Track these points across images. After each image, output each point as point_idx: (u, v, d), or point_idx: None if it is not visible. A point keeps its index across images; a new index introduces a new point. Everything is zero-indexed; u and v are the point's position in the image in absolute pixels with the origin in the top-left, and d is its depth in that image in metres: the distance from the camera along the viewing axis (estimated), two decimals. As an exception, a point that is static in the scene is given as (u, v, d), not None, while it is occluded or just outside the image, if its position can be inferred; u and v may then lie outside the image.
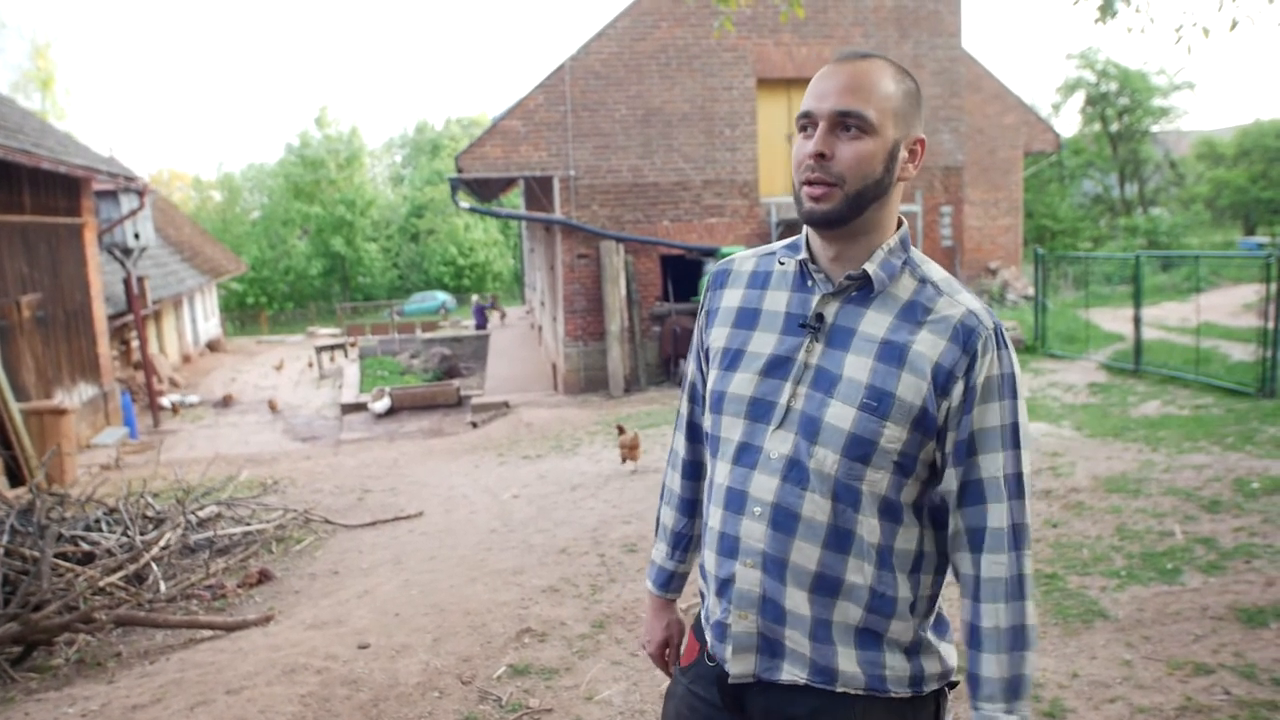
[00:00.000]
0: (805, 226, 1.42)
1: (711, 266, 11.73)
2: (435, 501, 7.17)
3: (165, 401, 16.59)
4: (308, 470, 9.43)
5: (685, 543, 1.70)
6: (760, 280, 1.49)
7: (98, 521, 5.79)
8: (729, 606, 1.40)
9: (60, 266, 12.19)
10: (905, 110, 1.35)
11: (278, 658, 3.64)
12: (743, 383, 1.41)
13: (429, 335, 25.07)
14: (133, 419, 13.94)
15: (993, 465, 1.33)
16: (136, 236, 14.93)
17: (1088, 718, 2.98)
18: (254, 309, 44.21)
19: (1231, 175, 33.46)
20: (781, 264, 1.46)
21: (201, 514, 6.33)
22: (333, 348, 23.83)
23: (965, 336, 1.32)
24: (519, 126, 12.97)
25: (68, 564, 4.91)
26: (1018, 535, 1.34)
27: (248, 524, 6.39)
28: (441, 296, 40.62)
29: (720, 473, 1.43)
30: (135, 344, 17.84)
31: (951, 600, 1.40)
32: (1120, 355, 11.04)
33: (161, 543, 5.39)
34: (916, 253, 1.42)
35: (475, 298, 31.24)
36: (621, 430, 7.54)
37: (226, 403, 17.64)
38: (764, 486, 1.36)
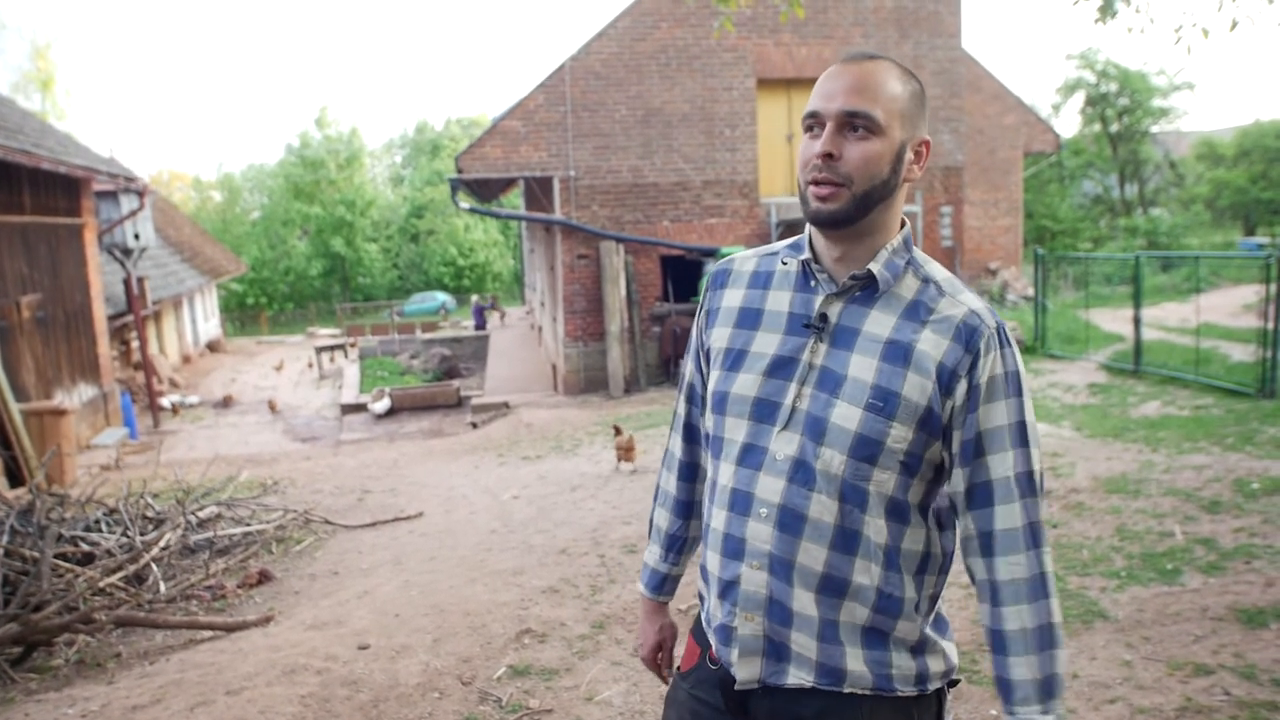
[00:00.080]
0: (809, 226, 1.41)
1: (711, 267, 11.70)
2: (435, 502, 7.17)
3: (165, 402, 16.59)
4: (308, 471, 9.43)
5: (679, 545, 1.69)
6: (762, 280, 1.48)
7: (97, 522, 5.78)
8: (733, 609, 1.38)
9: (60, 267, 12.19)
10: (911, 111, 1.35)
11: (278, 658, 3.64)
12: (746, 383, 1.40)
13: (429, 336, 25.07)
14: (132, 419, 13.94)
15: (1002, 465, 1.32)
16: (136, 237, 14.93)
17: (1088, 718, 2.98)
18: (254, 309, 44.21)
19: (1231, 176, 33.46)
20: (785, 264, 1.46)
21: (201, 514, 6.33)
22: (333, 348, 23.84)
23: (968, 335, 1.32)
24: (519, 127, 12.97)
25: (68, 564, 4.91)
26: (1034, 533, 1.33)
27: (248, 524, 6.39)
28: (441, 297, 40.62)
29: (724, 474, 1.42)
30: (135, 344, 17.83)
31: (952, 601, 1.40)
32: (1120, 356, 11.04)
33: (161, 543, 5.39)
34: (919, 253, 1.42)
35: (475, 298, 31.23)
36: (618, 431, 7.54)
37: (226, 403, 17.64)
38: (770, 488, 1.35)
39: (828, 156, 1.31)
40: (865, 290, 1.38)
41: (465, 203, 15.55)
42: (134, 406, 14.83)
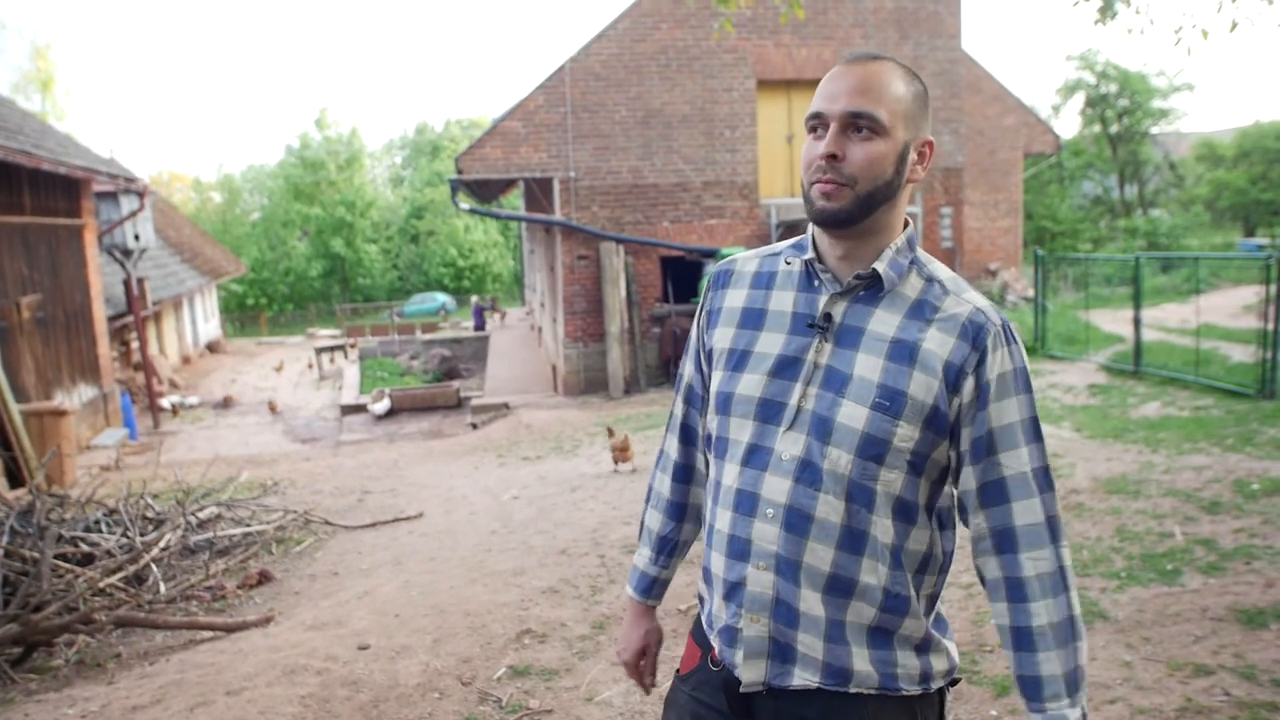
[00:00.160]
0: (812, 226, 1.41)
1: (713, 267, 11.73)
2: (435, 503, 7.17)
3: (165, 403, 16.59)
4: (307, 471, 9.43)
5: (671, 548, 1.67)
6: (765, 280, 1.48)
7: (97, 523, 5.78)
8: (739, 610, 1.38)
9: (60, 268, 12.19)
10: (915, 112, 1.35)
11: (278, 659, 3.64)
12: (751, 384, 1.40)
13: (429, 336, 25.09)
14: (132, 420, 13.94)
15: (1017, 461, 1.33)
16: (136, 238, 14.93)
17: (1088, 719, 2.98)
18: (254, 310, 44.22)
19: (1231, 177, 33.47)
20: (788, 264, 1.46)
21: (201, 515, 6.33)
22: (332, 349, 23.85)
23: (974, 333, 1.32)
24: (519, 128, 12.98)
25: (67, 565, 4.91)
26: (1053, 528, 1.33)
27: (248, 525, 6.39)
28: (441, 298, 40.64)
29: (728, 475, 1.41)
30: (135, 345, 17.84)
31: (951, 601, 1.40)
32: (1120, 357, 11.04)
33: (161, 544, 5.39)
34: (922, 253, 1.42)
35: (475, 299, 31.23)
36: (611, 433, 7.56)
37: (226, 404, 17.65)
38: (776, 488, 1.35)
39: (831, 158, 1.31)
40: (870, 290, 1.38)
41: (465, 203, 15.56)
42: (134, 407, 14.83)
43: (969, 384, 1.32)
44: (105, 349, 13.72)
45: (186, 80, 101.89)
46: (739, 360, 1.43)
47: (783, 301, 1.43)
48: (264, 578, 5.36)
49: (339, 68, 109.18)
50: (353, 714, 3.15)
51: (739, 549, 1.38)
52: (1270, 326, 8.56)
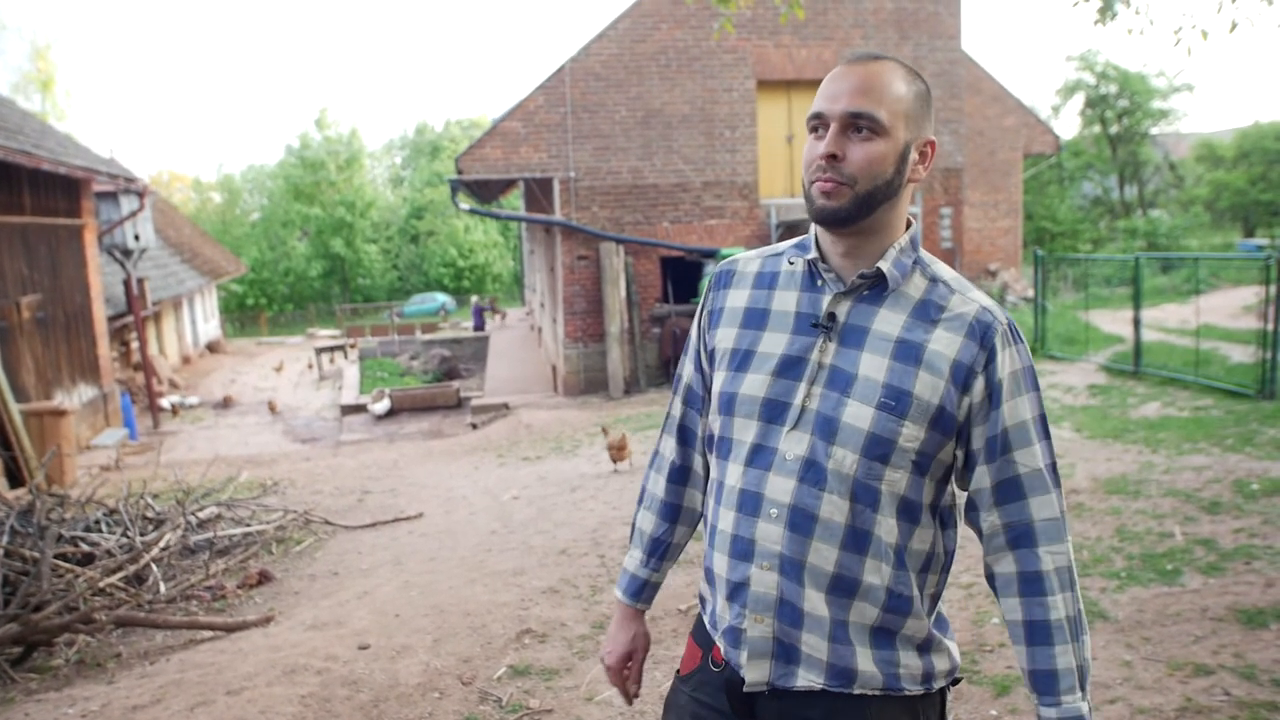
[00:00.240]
0: (815, 225, 1.41)
1: (713, 267, 11.73)
2: (435, 503, 7.17)
3: (165, 403, 16.59)
4: (307, 471, 9.43)
5: (663, 550, 1.65)
6: (767, 280, 1.47)
7: (97, 522, 5.78)
8: (743, 610, 1.37)
9: (60, 268, 12.19)
10: (916, 112, 1.35)
11: (278, 658, 3.64)
12: (755, 383, 1.39)
13: (429, 337, 25.09)
14: (132, 420, 13.94)
15: (1032, 458, 1.35)
16: (136, 238, 14.93)
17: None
18: (254, 310, 44.22)
19: (1231, 177, 33.48)
20: (790, 264, 1.46)
21: (201, 515, 6.33)
22: (332, 349, 23.85)
23: (982, 332, 1.33)
24: (519, 128, 12.98)
25: (68, 565, 4.91)
26: (1065, 523, 1.37)
27: (248, 525, 6.39)
28: (441, 298, 40.65)
29: (731, 475, 1.40)
30: (135, 345, 17.84)
31: (951, 601, 1.40)
32: (1120, 357, 11.04)
33: (161, 544, 5.39)
34: (925, 253, 1.42)
35: (475, 299, 31.24)
36: (606, 432, 7.57)
37: (226, 404, 17.64)
38: (780, 488, 1.34)
39: (832, 158, 1.31)
40: (874, 289, 1.37)
41: (465, 204, 15.56)
42: (134, 407, 14.83)
43: (979, 383, 1.32)
44: (105, 349, 13.72)
45: (186, 80, 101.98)
46: (742, 360, 1.42)
47: (786, 301, 1.43)
48: (264, 578, 5.36)
49: (339, 68, 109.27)
50: (353, 714, 3.15)
51: (743, 549, 1.37)
52: (1270, 327, 8.56)
